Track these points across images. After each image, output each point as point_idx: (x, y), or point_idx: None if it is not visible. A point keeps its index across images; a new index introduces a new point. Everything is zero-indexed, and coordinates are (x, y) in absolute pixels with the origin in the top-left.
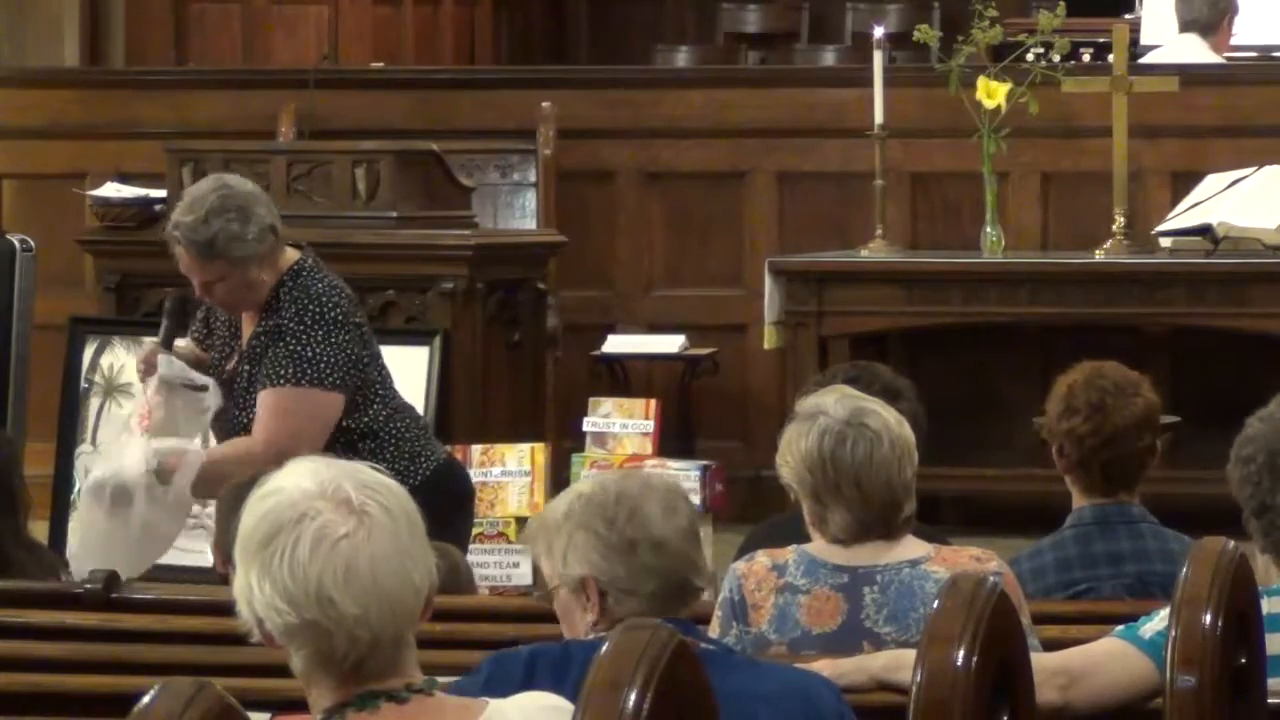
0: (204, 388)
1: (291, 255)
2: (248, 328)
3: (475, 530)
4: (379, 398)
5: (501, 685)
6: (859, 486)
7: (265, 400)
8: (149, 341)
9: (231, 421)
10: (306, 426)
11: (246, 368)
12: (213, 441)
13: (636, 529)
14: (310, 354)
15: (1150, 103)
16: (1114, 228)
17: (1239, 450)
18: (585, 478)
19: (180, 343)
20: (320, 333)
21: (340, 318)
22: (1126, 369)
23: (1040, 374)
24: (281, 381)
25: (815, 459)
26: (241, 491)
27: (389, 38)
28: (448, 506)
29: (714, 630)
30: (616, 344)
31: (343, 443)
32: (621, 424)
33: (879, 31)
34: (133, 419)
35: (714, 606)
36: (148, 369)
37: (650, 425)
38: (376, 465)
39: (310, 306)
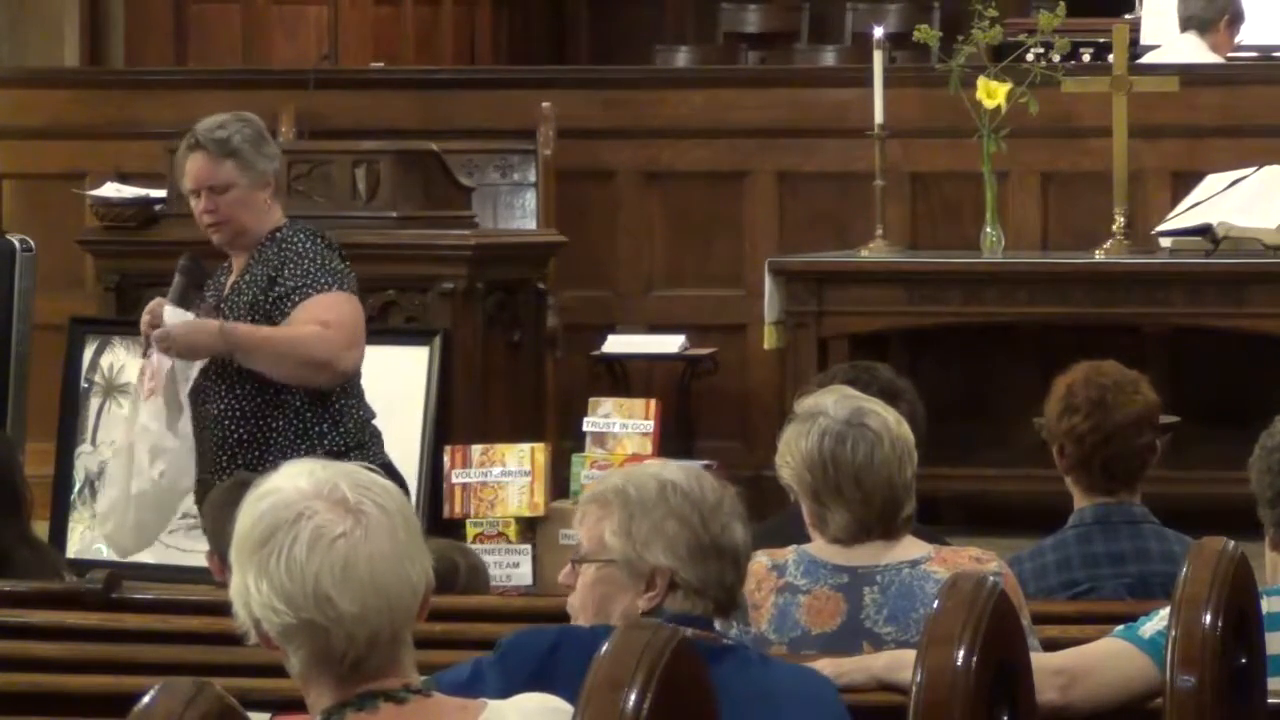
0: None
1: (282, 216)
2: (230, 283)
3: (476, 530)
4: (359, 395)
5: (517, 664)
6: (860, 487)
7: (314, 307)
8: (157, 298)
9: (201, 392)
10: (357, 329)
11: (238, 302)
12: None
13: (725, 537)
14: (339, 267)
15: (1150, 103)
16: (1114, 228)
17: (1267, 440)
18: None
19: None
20: (337, 258)
21: (346, 269)
22: (1125, 368)
23: (1040, 374)
24: (326, 287)
25: (816, 459)
26: (234, 495)
27: (389, 38)
28: None
29: None
30: (616, 344)
31: (359, 435)
32: (621, 424)
33: (879, 31)
34: (145, 383)
35: None
36: (153, 322)
37: (650, 425)
38: (370, 465)
39: (320, 242)
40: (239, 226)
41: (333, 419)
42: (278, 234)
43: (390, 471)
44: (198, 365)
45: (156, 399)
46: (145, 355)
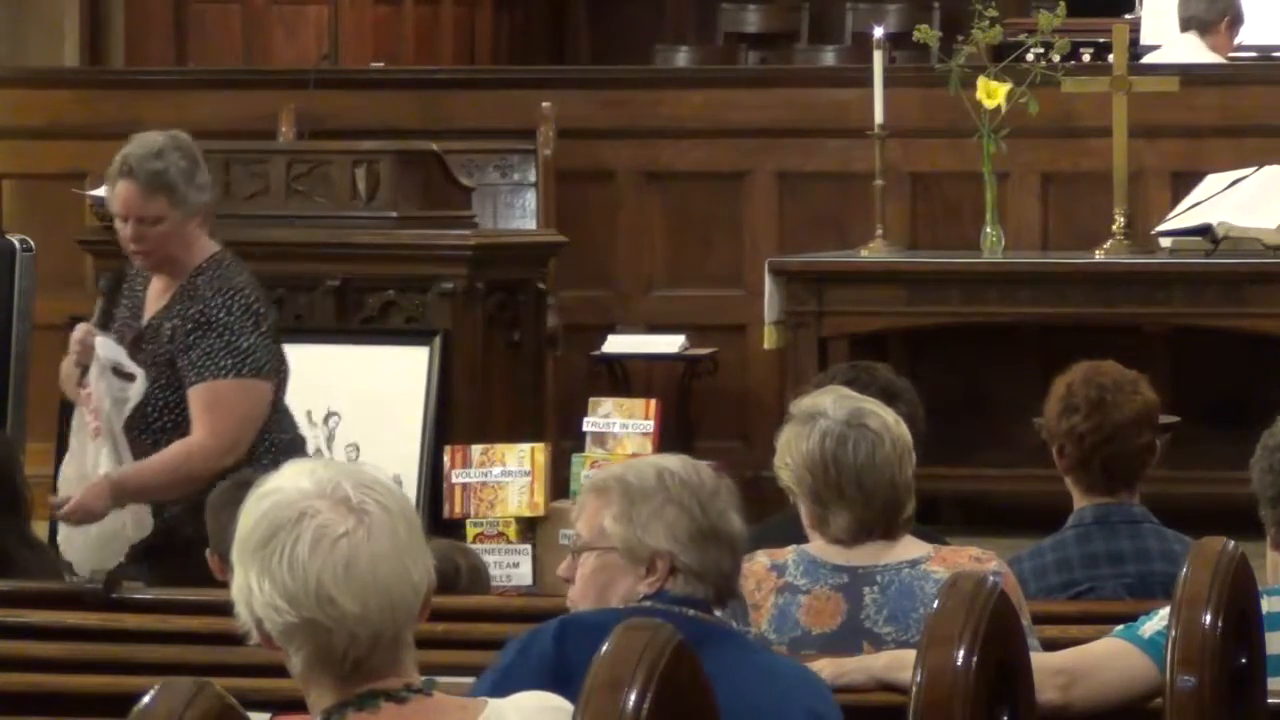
0: (132, 376)
1: (211, 244)
2: (152, 308)
3: (476, 530)
4: (284, 409)
5: (530, 658)
6: (862, 487)
7: (206, 394)
8: (82, 324)
9: (133, 425)
10: (249, 416)
11: (151, 347)
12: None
13: (723, 523)
14: (246, 344)
15: (1150, 103)
16: (1114, 228)
17: (1268, 439)
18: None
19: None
20: (251, 322)
21: (263, 311)
22: (1124, 368)
23: (1040, 374)
24: (222, 374)
25: (817, 460)
26: (234, 495)
27: (389, 38)
28: None
29: None
30: (616, 344)
31: (270, 458)
32: (621, 424)
33: (879, 31)
34: (87, 419)
35: None
36: (82, 352)
37: (650, 425)
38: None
39: (238, 298)
40: (166, 256)
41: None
42: (201, 278)
43: None
44: (133, 400)
45: (102, 438)
46: (81, 385)
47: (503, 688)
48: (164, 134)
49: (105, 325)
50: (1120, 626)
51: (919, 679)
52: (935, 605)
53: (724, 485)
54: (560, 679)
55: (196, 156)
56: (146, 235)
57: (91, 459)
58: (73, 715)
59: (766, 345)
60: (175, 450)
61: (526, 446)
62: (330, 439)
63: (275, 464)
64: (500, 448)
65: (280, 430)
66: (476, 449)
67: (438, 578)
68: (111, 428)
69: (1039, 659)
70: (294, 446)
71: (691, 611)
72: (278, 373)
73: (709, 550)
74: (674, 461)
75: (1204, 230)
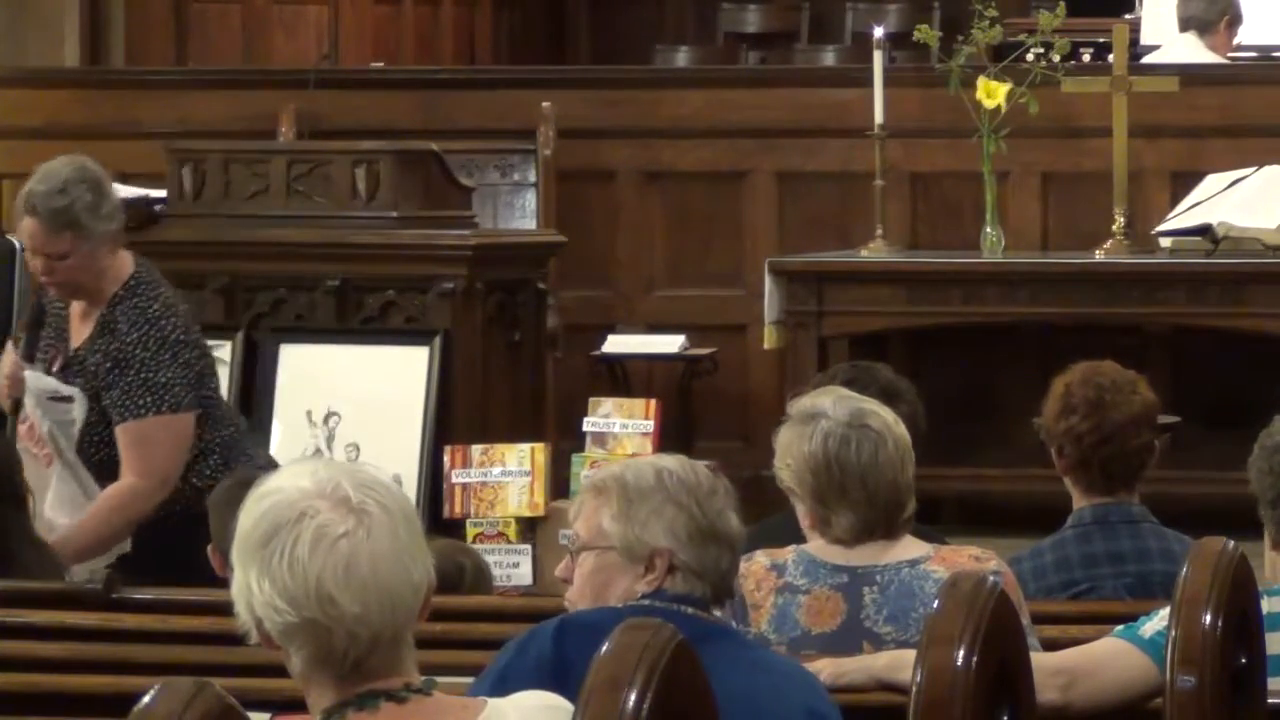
0: (69, 398)
1: (127, 262)
2: (77, 334)
3: (476, 530)
4: (220, 407)
5: (529, 657)
6: (864, 488)
7: (131, 433)
8: (9, 358)
9: (82, 446)
10: (175, 450)
11: (79, 381)
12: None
13: (721, 522)
14: (163, 379)
15: (1150, 103)
16: (1114, 228)
17: (1266, 440)
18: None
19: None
20: (168, 355)
21: (181, 336)
22: (1123, 368)
23: (1040, 374)
24: (143, 412)
25: (820, 461)
26: (236, 494)
27: (389, 38)
28: None
29: None
30: (616, 344)
31: (218, 456)
32: (621, 424)
33: (879, 31)
34: (34, 451)
35: None
36: (12, 386)
37: (650, 425)
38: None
39: (152, 331)
40: (78, 287)
41: (227, 463)
42: (120, 309)
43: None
44: (78, 419)
45: (56, 464)
46: (18, 420)
47: (501, 687)
48: (69, 164)
49: (31, 356)
50: (1120, 627)
51: (919, 679)
52: (935, 605)
53: (721, 485)
54: (558, 678)
55: (101, 185)
56: (56, 269)
57: (53, 488)
58: (73, 715)
59: (766, 345)
60: (110, 498)
61: (526, 446)
62: (330, 439)
63: (225, 462)
64: (500, 448)
65: (222, 427)
66: (476, 449)
67: (442, 577)
68: (63, 452)
69: (1039, 659)
70: (236, 441)
71: (690, 610)
72: (199, 385)
73: (708, 549)
74: (672, 461)
75: (1204, 230)
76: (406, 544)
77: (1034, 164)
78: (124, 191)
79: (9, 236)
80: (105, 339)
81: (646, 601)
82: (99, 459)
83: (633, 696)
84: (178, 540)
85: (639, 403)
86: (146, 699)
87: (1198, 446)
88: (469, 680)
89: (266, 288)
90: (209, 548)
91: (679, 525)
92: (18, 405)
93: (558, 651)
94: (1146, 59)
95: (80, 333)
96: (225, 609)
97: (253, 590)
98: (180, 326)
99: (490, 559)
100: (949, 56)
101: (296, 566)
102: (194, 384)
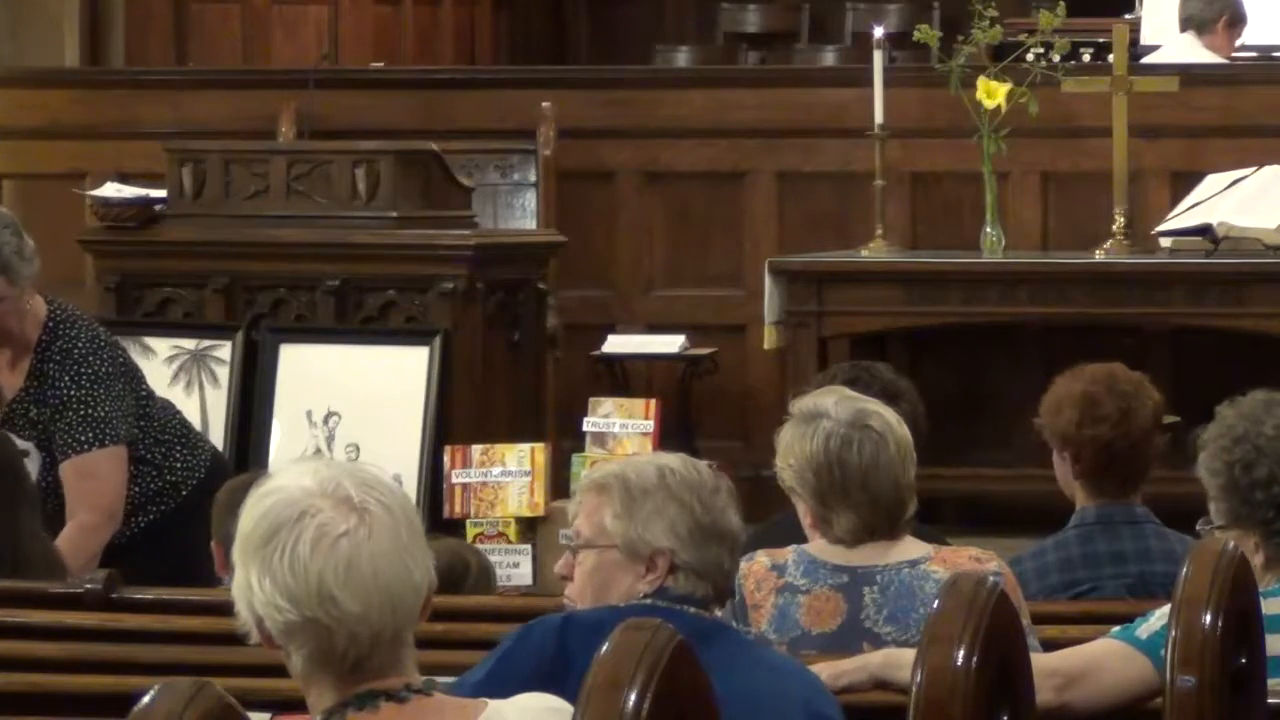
0: (25, 452)
1: (41, 304)
2: (9, 385)
3: (476, 530)
4: (156, 401)
5: (530, 646)
6: (866, 488)
7: (74, 469)
8: None
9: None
10: (119, 482)
11: (24, 433)
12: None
13: (723, 521)
14: (101, 414)
15: (1150, 103)
16: (1114, 228)
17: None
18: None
19: None
20: (101, 390)
21: (110, 369)
22: (1129, 369)
23: (1040, 374)
24: (84, 448)
25: (821, 462)
26: (239, 495)
27: (389, 38)
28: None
29: None
30: (616, 344)
31: (161, 454)
32: (621, 424)
33: (879, 31)
34: None
35: None
36: None
37: (650, 425)
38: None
39: (83, 370)
40: (7, 333)
41: (152, 473)
42: (48, 354)
43: (218, 460)
44: (33, 472)
45: None
46: None
47: (498, 674)
48: None
49: None
50: (1116, 628)
51: (919, 679)
52: (935, 605)
53: (724, 482)
54: (557, 673)
55: (19, 227)
56: None
57: None
58: (73, 715)
59: (766, 345)
60: (67, 538)
61: (526, 446)
62: (330, 439)
63: (189, 449)
64: (500, 448)
65: (170, 417)
66: (476, 449)
67: (448, 572)
68: None
69: (1035, 659)
70: (188, 428)
71: (692, 610)
72: (133, 406)
73: (709, 548)
74: (674, 459)
75: (1204, 230)
76: (407, 544)
77: (1034, 164)
78: (124, 191)
79: None
80: (41, 389)
81: (649, 601)
82: (52, 509)
83: (633, 696)
84: (171, 537)
85: (639, 403)
86: (146, 699)
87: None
88: None
89: (266, 288)
90: (212, 544)
91: (681, 524)
92: None
93: (559, 648)
94: (1146, 59)
95: (12, 384)
96: (225, 609)
97: (253, 589)
98: (107, 359)
99: (490, 559)
100: (949, 56)
101: (298, 565)
102: (131, 413)
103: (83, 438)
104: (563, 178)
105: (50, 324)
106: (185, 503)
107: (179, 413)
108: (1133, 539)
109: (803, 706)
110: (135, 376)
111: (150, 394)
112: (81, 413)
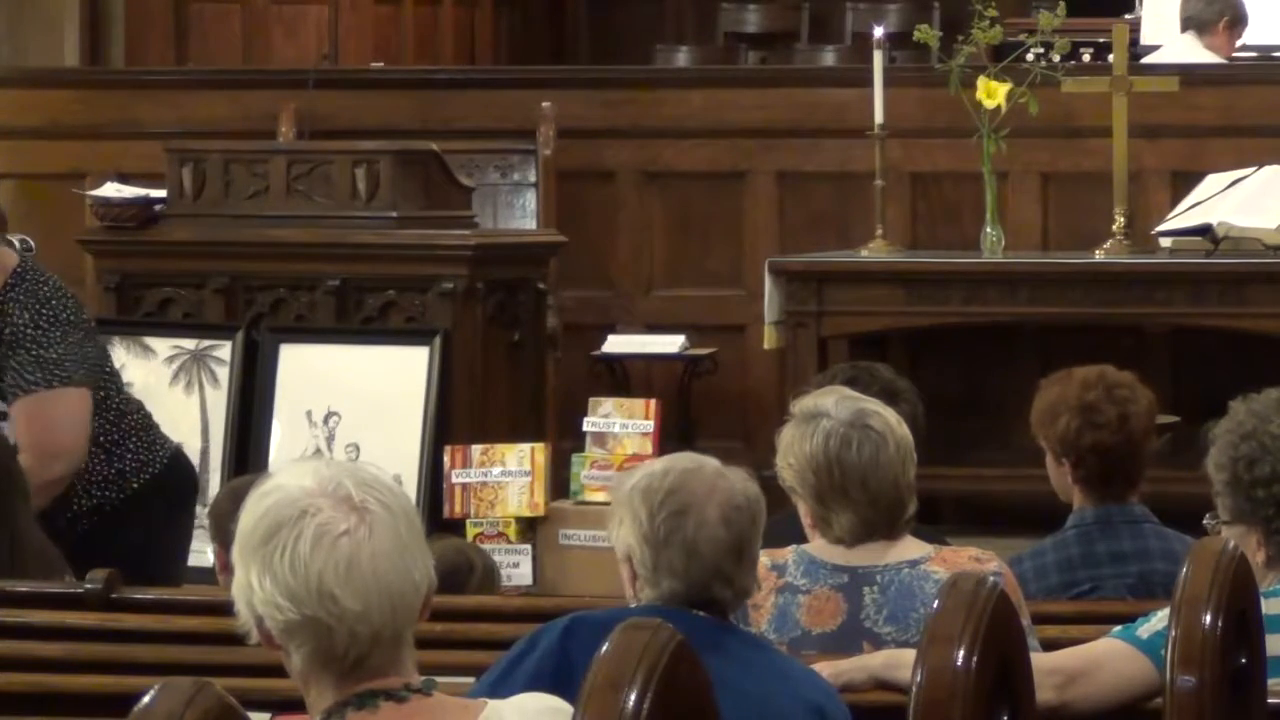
0: (4, 414)
1: (10, 255)
2: None
3: (476, 530)
4: (123, 392)
5: (537, 651)
6: (865, 488)
7: (22, 409)
8: None
9: None
10: (67, 424)
11: None
12: None
13: (674, 528)
14: (54, 355)
15: (1150, 103)
16: (1114, 228)
17: (1231, 434)
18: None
19: None
20: (58, 333)
21: (72, 318)
22: (1118, 370)
23: (1040, 374)
24: (32, 387)
25: (821, 461)
26: (240, 495)
27: (389, 38)
28: (184, 490)
29: None
30: (616, 344)
31: (112, 443)
32: (621, 424)
33: (879, 31)
34: None
35: None
36: None
37: (650, 425)
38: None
39: (44, 310)
40: None
41: (101, 455)
42: (10, 296)
43: (178, 459)
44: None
45: None
46: None
47: (507, 679)
48: None
49: None
50: (1117, 628)
51: (919, 679)
52: (935, 605)
53: (704, 487)
54: (563, 675)
55: None
56: None
57: None
58: (73, 715)
59: (766, 345)
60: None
61: (526, 446)
62: (330, 439)
63: (145, 444)
64: (500, 448)
65: (132, 411)
66: (476, 449)
67: (452, 570)
68: None
69: (1035, 659)
70: (150, 424)
71: (700, 612)
72: (94, 368)
73: (660, 554)
74: (661, 466)
75: (1204, 230)
76: (408, 543)
77: (1034, 164)
78: (124, 191)
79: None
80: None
81: (658, 604)
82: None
83: (633, 697)
84: (116, 529)
85: (639, 403)
86: (146, 699)
87: (1198, 446)
88: (469, 680)
89: (266, 288)
90: (214, 548)
91: (630, 532)
92: None
93: (564, 649)
94: (1146, 59)
95: None
96: (225, 609)
97: (254, 588)
98: (71, 309)
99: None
100: (949, 56)
101: (298, 564)
102: (87, 362)
103: (31, 378)
104: (563, 178)
105: (19, 270)
106: (134, 495)
107: (144, 409)
108: (1132, 538)
109: (813, 710)
110: (101, 348)
111: (115, 374)
112: (34, 353)
